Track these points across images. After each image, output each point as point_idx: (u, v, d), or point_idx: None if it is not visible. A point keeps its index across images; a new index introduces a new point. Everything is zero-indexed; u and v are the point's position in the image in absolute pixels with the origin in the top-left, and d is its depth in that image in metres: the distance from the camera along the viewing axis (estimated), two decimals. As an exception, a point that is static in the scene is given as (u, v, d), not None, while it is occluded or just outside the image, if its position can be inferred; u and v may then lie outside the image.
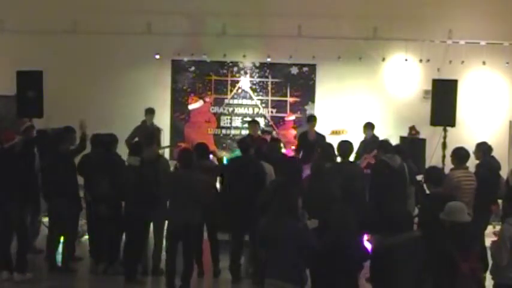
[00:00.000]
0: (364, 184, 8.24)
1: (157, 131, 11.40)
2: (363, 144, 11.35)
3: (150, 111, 11.70)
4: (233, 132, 13.33)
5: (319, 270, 5.93)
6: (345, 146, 8.39)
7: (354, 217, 5.96)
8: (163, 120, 12.93)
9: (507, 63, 12.72)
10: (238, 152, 12.06)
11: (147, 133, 9.71)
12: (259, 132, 11.39)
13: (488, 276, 6.10)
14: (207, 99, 13.42)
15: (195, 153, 8.52)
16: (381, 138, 11.10)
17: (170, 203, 7.80)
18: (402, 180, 8.22)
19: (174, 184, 7.73)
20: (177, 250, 7.78)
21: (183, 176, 7.73)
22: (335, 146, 8.52)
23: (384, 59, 12.87)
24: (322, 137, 11.26)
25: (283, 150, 10.71)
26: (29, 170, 8.49)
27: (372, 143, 11.16)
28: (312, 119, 11.54)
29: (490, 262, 6.25)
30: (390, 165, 8.16)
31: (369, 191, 8.32)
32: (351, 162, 8.84)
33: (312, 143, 10.88)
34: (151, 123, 11.67)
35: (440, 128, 11.02)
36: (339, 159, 8.52)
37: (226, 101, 13.40)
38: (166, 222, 8.06)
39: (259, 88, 13.38)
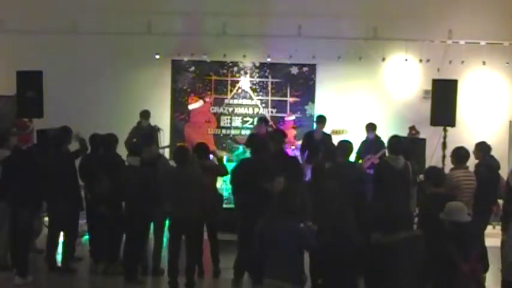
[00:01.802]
0: (365, 184, 8.24)
1: (154, 130, 11.32)
2: (364, 144, 11.35)
3: (145, 115, 11.61)
4: (233, 132, 13.33)
5: (319, 270, 5.92)
6: (344, 145, 8.37)
7: (353, 217, 5.96)
8: (163, 120, 12.93)
9: (507, 63, 12.73)
10: (238, 152, 12.16)
11: (146, 133, 9.70)
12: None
13: (488, 276, 6.10)
14: (207, 99, 13.42)
15: (195, 153, 8.53)
16: (381, 138, 11.12)
17: (169, 201, 7.80)
18: (405, 181, 8.17)
19: (170, 181, 7.74)
20: (179, 248, 7.80)
21: (178, 173, 7.74)
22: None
23: (384, 59, 12.87)
24: (328, 137, 11.27)
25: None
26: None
27: (374, 143, 11.17)
28: (321, 119, 11.48)
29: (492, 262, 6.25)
30: (392, 166, 8.12)
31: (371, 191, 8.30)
32: (351, 162, 8.82)
33: (317, 143, 10.86)
34: (147, 124, 11.61)
35: (440, 128, 11.02)
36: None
37: (226, 101, 13.40)
38: (167, 220, 8.09)
39: (259, 88, 13.38)
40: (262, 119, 11.69)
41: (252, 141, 8.74)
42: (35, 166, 8.26)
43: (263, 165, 7.75)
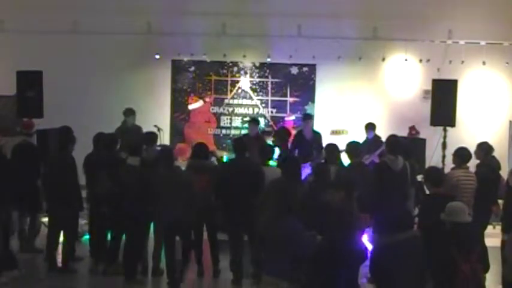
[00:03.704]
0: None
1: (139, 130, 11.24)
2: (364, 144, 11.33)
3: (130, 112, 11.46)
4: (233, 132, 13.33)
5: (319, 270, 5.91)
6: (355, 146, 8.43)
7: (354, 217, 5.95)
8: (163, 120, 12.93)
9: (507, 63, 12.74)
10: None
11: (149, 133, 9.69)
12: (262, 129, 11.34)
13: (488, 276, 6.09)
14: (207, 99, 13.43)
15: (193, 154, 8.55)
16: (381, 138, 11.11)
17: (159, 203, 7.77)
18: (403, 182, 8.17)
19: (158, 184, 7.71)
20: (174, 249, 7.81)
21: (166, 176, 7.70)
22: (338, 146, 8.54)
23: (383, 59, 12.87)
24: (319, 135, 11.25)
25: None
26: (25, 170, 8.53)
27: (373, 142, 11.18)
28: (307, 117, 11.52)
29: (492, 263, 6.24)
30: (391, 168, 8.12)
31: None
32: (362, 162, 8.83)
33: (309, 142, 10.86)
34: (132, 123, 11.54)
35: (440, 128, 11.02)
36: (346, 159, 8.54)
37: (226, 101, 13.41)
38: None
39: (259, 88, 13.39)
40: (254, 120, 11.60)
41: (237, 142, 8.76)
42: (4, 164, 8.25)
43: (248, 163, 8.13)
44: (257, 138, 10.77)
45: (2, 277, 8.03)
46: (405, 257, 5.44)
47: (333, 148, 8.50)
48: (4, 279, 8.01)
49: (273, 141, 9.77)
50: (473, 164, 8.44)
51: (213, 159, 9.20)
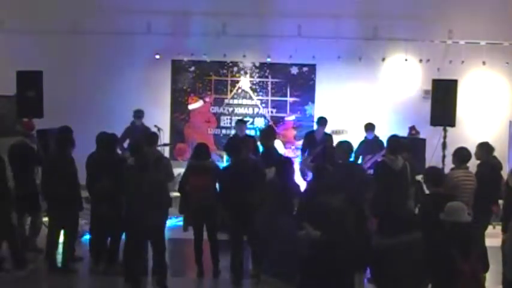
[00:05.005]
0: (366, 184, 8.24)
1: (147, 130, 11.27)
2: (363, 144, 11.35)
3: (138, 114, 11.60)
4: (233, 132, 13.30)
5: (315, 268, 5.91)
6: (344, 146, 8.38)
7: (353, 216, 5.95)
8: (163, 120, 12.94)
9: (507, 63, 12.72)
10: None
11: (150, 133, 9.69)
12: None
13: (488, 276, 6.09)
14: (207, 99, 13.43)
15: (194, 154, 8.55)
16: (381, 138, 11.11)
17: (130, 204, 7.74)
18: (403, 182, 8.18)
19: (130, 185, 7.68)
20: (142, 249, 7.86)
21: (138, 177, 7.65)
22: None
23: (384, 59, 12.87)
24: (329, 137, 11.28)
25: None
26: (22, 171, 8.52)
27: (373, 143, 11.18)
28: (322, 121, 11.47)
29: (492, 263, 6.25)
30: (391, 167, 8.12)
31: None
32: (352, 162, 8.81)
33: (318, 144, 10.87)
34: (140, 123, 11.61)
35: (440, 128, 11.01)
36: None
37: (226, 101, 13.41)
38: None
39: (259, 88, 13.39)
40: (241, 121, 11.55)
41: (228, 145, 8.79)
42: None
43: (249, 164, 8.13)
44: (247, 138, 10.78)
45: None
46: (406, 258, 5.44)
47: (332, 150, 8.52)
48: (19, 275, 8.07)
49: (260, 140, 9.78)
50: (473, 164, 8.44)
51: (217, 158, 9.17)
